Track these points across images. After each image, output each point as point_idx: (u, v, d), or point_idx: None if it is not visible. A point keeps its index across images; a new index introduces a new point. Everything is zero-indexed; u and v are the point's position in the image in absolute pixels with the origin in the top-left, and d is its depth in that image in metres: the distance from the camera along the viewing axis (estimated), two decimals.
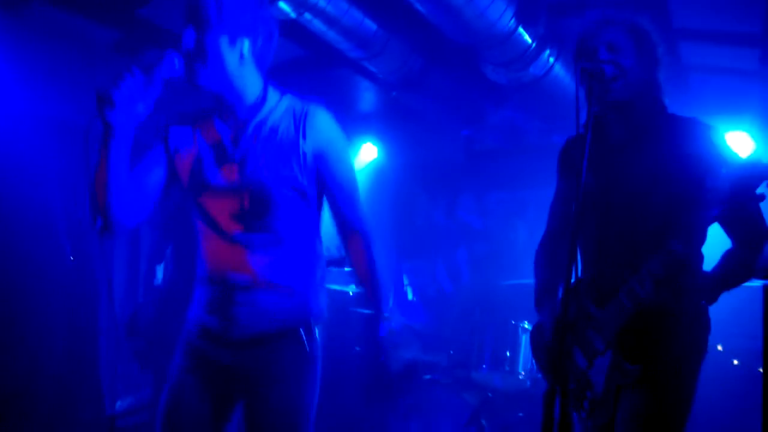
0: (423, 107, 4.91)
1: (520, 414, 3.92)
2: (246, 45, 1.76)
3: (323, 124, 1.83)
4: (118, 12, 3.87)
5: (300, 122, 1.80)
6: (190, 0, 1.75)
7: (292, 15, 3.20)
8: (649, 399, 1.84)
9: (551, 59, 3.85)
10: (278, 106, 1.85)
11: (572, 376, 1.92)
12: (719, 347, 4.12)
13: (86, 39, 4.14)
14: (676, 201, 1.81)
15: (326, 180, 1.86)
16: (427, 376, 4.42)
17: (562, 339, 1.53)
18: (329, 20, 3.34)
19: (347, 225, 1.91)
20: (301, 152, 1.80)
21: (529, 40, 3.61)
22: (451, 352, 4.44)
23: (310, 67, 4.42)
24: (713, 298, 1.89)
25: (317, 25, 3.35)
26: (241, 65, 1.77)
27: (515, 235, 5.43)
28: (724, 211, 1.70)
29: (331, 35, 3.49)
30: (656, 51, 1.99)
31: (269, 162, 1.79)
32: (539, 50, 3.72)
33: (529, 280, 2.22)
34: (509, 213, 5.67)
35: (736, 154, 1.81)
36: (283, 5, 3.12)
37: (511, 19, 3.36)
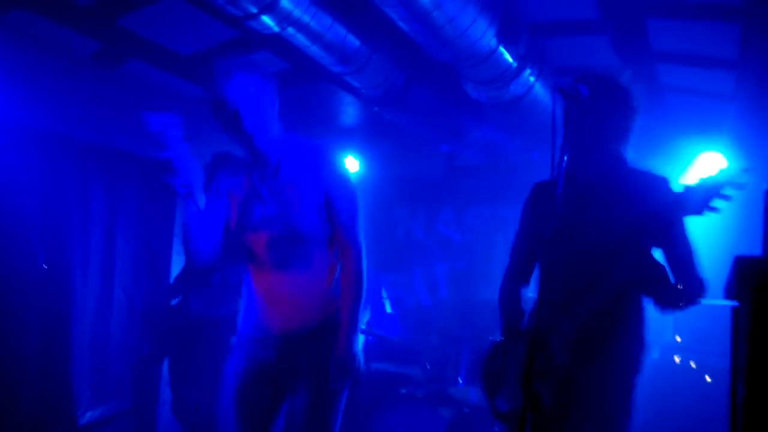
0: (404, 123, 4.95)
1: (496, 430, 3.93)
2: (267, 111, 2.22)
3: (340, 167, 2.31)
4: (99, 21, 3.85)
5: (319, 166, 2.25)
6: (216, 97, 2.20)
7: (276, 29, 3.21)
8: (595, 413, 2.10)
9: (531, 78, 3.90)
10: (294, 151, 2.29)
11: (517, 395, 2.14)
12: (692, 364, 4.19)
13: (67, 48, 4.12)
14: (631, 239, 2.09)
15: (335, 206, 2.27)
16: (403, 390, 4.42)
17: (533, 358, 1.69)
18: (312, 35, 3.36)
19: (346, 245, 2.31)
20: (318, 191, 2.24)
21: (510, 59, 3.66)
22: (428, 366, 4.46)
23: (292, 80, 4.44)
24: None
25: (300, 39, 3.37)
26: (268, 125, 2.23)
27: (494, 250, 5.47)
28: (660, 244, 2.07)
29: (314, 50, 3.50)
30: (633, 101, 2.19)
31: (294, 199, 2.23)
32: (520, 69, 3.77)
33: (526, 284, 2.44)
34: (488, 228, 5.72)
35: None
36: (266, 19, 3.13)
37: (492, 38, 3.40)
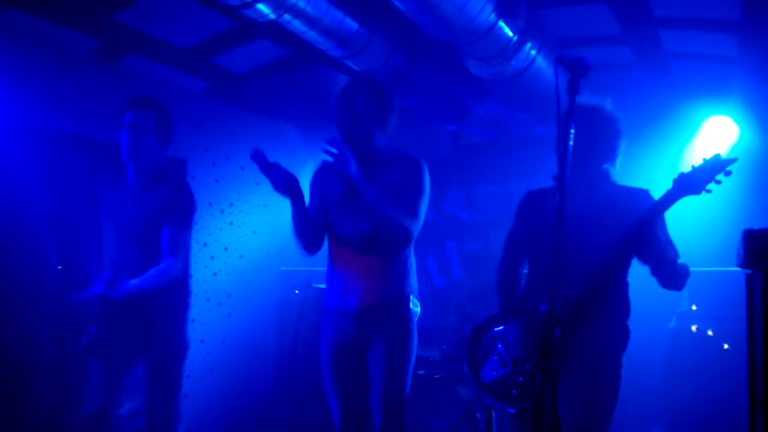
0: (407, 103, 4.90)
1: (503, 405, 3.93)
2: (387, 125, 2.81)
3: (419, 170, 2.85)
4: (96, 18, 3.83)
5: (410, 171, 2.83)
6: (363, 106, 2.75)
7: (272, 16, 3.18)
8: (586, 388, 2.37)
9: (533, 52, 3.85)
10: (396, 156, 2.85)
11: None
12: (710, 333, 4.16)
13: (64, 45, 4.10)
14: (610, 239, 2.37)
15: (401, 200, 2.78)
16: (421, 371, 4.43)
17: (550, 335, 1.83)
18: (309, 20, 3.32)
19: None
20: (398, 187, 2.79)
21: (510, 34, 3.61)
22: (444, 346, 4.45)
23: (291, 66, 4.41)
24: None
25: (297, 25, 3.34)
26: (379, 135, 2.80)
27: (504, 227, 5.44)
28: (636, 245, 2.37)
29: (312, 35, 3.47)
30: (612, 126, 2.54)
31: (383, 195, 2.72)
32: (520, 43, 3.72)
33: (522, 272, 2.75)
34: (497, 206, 5.69)
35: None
36: (261, 7, 3.10)
37: (491, 14, 3.36)
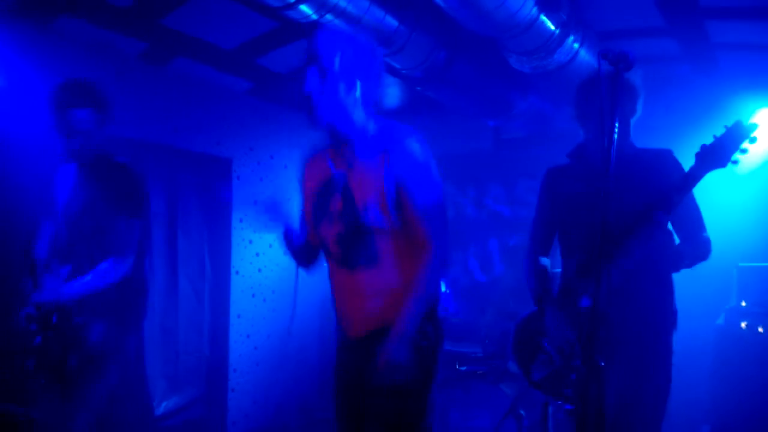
0: (448, 99, 4.91)
1: (558, 403, 3.91)
2: (359, 87, 2.01)
3: (405, 154, 2.00)
4: (143, 22, 3.95)
5: (389, 157, 1.99)
6: (313, 48, 1.98)
7: (314, 17, 3.23)
8: (633, 370, 2.27)
9: (575, 45, 3.81)
10: (378, 140, 2.04)
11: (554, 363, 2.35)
12: (760, 329, 4.06)
13: (114, 50, 4.23)
14: (643, 205, 2.23)
15: (405, 196, 2.01)
16: (464, 368, 4.44)
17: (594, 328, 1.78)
18: (351, 20, 3.36)
19: (418, 233, 2.04)
20: (386, 186, 1.99)
21: (552, 27, 3.59)
22: (487, 342, 4.45)
23: None
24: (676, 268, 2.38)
25: (339, 25, 3.37)
26: (354, 105, 2.02)
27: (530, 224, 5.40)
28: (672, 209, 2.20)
29: None
30: (638, 102, 2.47)
31: (360, 192, 2.02)
32: (563, 37, 3.69)
33: (549, 257, 2.68)
34: None
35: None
36: (304, 7, 3.15)
37: (533, 7, 3.34)
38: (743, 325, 4.10)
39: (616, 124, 1.90)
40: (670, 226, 2.37)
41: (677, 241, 2.42)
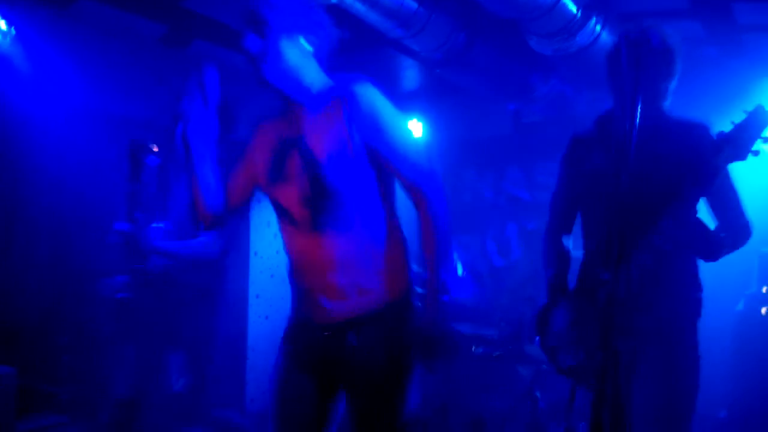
0: (468, 82, 4.88)
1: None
2: (303, 41, 1.90)
3: (364, 101, 1.86)
4: (164, 5, 3.96)
5: (344, 105, 1.86)
6: (249, 6, 1.89)
7: (334, 0, 3.21)
8: (663, 378, 2.11)
9: (597, 27, 3.76)
10: (330, 93, 1.91)
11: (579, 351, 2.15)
12: (763, 310, 4.03)
13: (135, 33, 4.26)
14: (678, 186, 2.02)
15: (379, 153, 1.88)
16: (480, 350, 4.45)
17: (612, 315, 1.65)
18: (370, 2, 3.34)
19: (410, 188, 1.91)
20: (348, 135, 1.85)
21: (574, 9, 3.54)
22: (503, 325, 4.46)
23: (352, 48, 4.43)
24: (716, 255, 2.14)
25: (358, 7, 3.36)
26: (302, 59, 1.90)
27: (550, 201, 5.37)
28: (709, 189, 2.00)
29: (373, 16, 3.49)
30: (676, 68, 2.23)
31: (323, 148, 1.86)
32: (585, 19, 3.64)
33: (581, 252, 2.41)
34: None
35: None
36: None
37: None
38: (763, 311, 4.07)
39: (639, 106, 1.78)
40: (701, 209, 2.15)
41: (712, 226, 2.19)
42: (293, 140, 1.92)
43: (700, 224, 2.09)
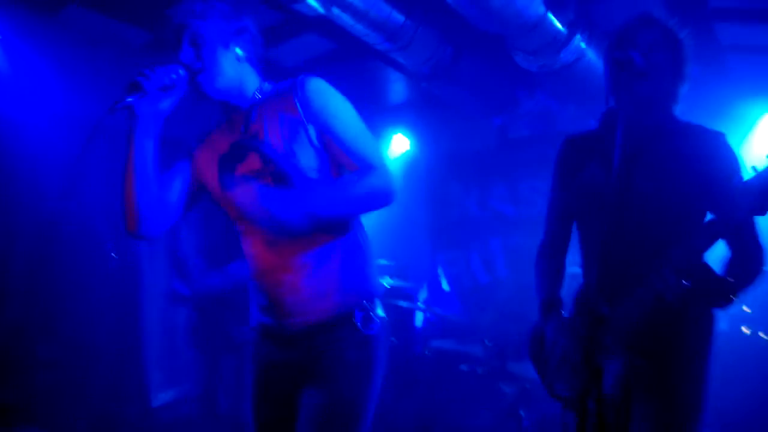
0: (454, 97, 4.89)
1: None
2: (237, 50, 1.88)
3: (312, 91, 1.83)
4: (151, 12, 3.93)
5: (294, 98, 1.83)
6: (177, 20, 1.86)
7: (321, 10, 3.21)
8: (663, 403, 1.84)
9: (582, 44, 3.79)
10: (274, 92, 1.91)
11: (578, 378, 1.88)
12: (762, 335, 4.04)
13: (121, 40, 4.23)
14: (689, 203, 1.83)
15: (332, 142, 1.82)
16: (464, 367, 4.42)
17: (594, 337, 1.59)
18: (357, 14, 3.35)
19: (357, 166, 1.83)
20: (301, 127, 1.82)
21: (560, 26, 3.57)
22: (487, 342, 4.44)
23: (338, 60, 4.44)
24: (728, 301, 1.85)
25: (345, 19, 3.36)
26: (239, 67, 1.89)
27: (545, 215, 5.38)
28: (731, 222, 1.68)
29: (359, 28, 3.49)
30: (687, 66, 2.00)
31: (282, 140, 1.82)
32: (570, 36, 3.67)
33: (568, 270, 2.19)
34: (543, 201, 5.61)
35: (743, 162, 1.82)
36: (311, 2, 3.14)
37: (540, 5, 3.33)
38: (746, 330, 4.08)
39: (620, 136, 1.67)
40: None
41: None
42: (248, 141, 1.87)
43: (708, 272, 1.85)
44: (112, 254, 4.35)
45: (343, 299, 1.84)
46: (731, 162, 1.85)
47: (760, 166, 1.63)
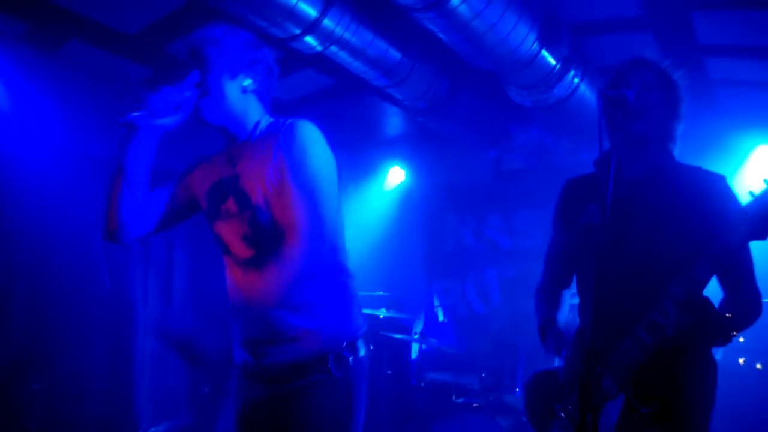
0: (449, 130, 4.96)
1: None
2: (246, 81, 1.87)
3: (300, 136, 1.80)
4: (150, 49, 4.00)
5: (279, 138, 1.81)
6: (192, 44, 1.86)
7: (319, 48, 3.27)
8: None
9: (576, 80, 3.85)
10: (267, 131, 1.88)
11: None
12: (758, 366, 4.05)
13: (120, 76, 4.29)
14: (686, 244, 1.80)
15: (291, 188, 1.77)
16: (460, 399, 4.41)
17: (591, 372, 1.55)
18: (354, 51, 3.41)
19: (288, 221, 1.78)
20: (283, 170, 1.78)
21: (553, 62, 3.63)
22: (483, 375, 4.43)
23: (336, 95, 4.50)
24: (728, 338, 1.84)
25: (343, 56, 3.42)
26: (243, 98, 1.87)
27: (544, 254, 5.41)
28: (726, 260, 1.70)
29: (357, 66, 3.55)
30: (681, 106, 2.01)
31: (259, 187, 1.80)
32: (563, 71, 3.73)
33: (571, 301, 2.21)
34: (538, 232, 5.65)
35: (740, 202, 1.79)
36: (309, 39, 3.19)
37: (534, 43, 3.39)
38: (741, 361, 4.09)
39: (612, 168, 1.67)
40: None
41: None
42: (228, 181, 1.87)
43: (708, 306, 1.83)
44: (106, 283, 4.36)
45: (323, 340, 1.79)
46: (734, 205, 1.80)
47: (758, 191, 1.66)
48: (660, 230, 1.87)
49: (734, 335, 1.82)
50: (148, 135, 1.80)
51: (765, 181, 1.65)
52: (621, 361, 1.77)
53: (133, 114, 1.76)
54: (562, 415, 1.91)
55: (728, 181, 1.90)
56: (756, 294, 1.88)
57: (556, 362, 2.08)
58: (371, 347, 1.89)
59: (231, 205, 1.85)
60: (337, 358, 1.79)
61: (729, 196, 1.86)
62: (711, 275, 1.72)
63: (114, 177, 1.83)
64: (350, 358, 1.81)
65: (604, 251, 1.70)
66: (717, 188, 1.88)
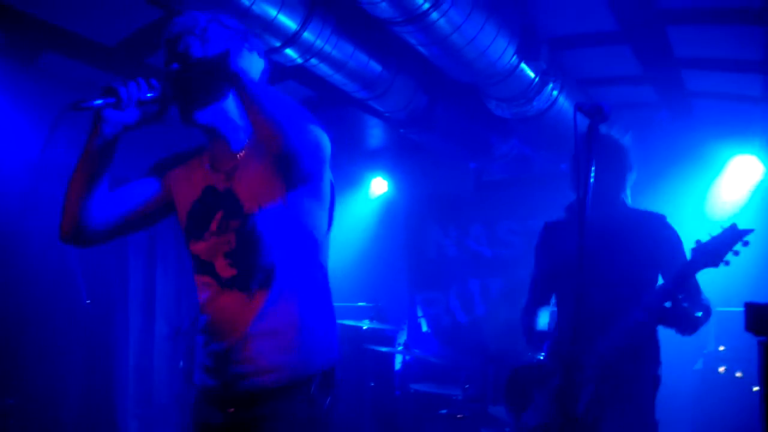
0: (430, 142, 4.97)
1: None
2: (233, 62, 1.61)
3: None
4: (127, 61, 3.97)
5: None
6: (178, 43, 1.66)
7: (299, 61, 3.27)
8: (627, 420, 2.31)
9: (554, 92, 3.89)
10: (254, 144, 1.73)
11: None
12: (738, 374, 4.09)
13: (95, 87, 4.24)
14: (640, 274, 2.42)
15: (287, 203, 1.68)
16: (444, 411, 4.40)
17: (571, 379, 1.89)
18: (335, 64, 3.41)
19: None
20: (272, 187, 1.66)
21: (532, 75, 3.67)
22: (467, 386, 4.43)
23: (317, 107, 4.50)
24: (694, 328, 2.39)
25: (323, 69, 3.43)
26: (234, 99, 1.71)
27: (527, 264, 5.44)
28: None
29: (337, 78, 3.56)
30: (627, 165, 2.54)
31: (254, 200, 1.67)
32: (542, 84, 3.77)
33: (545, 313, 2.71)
34: (520, 242, 5.68)
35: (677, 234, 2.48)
36: (289, 51, 3.19)
37: (512, 56, 3.42)
38: (721, 369, 4.13)
39: (591, 176, 1.87)
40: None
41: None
42: (220, 194, 1.72)
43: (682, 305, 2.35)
44: (87, 301, 4.30)
45: (296, 368, 1.66)
46: (673, 238, 2.45)
47: (714, 233, 2.27)
48: (620, 260, 2.40)
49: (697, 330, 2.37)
50: (113, 128, 1.63)
51: (720, 226, 2.27)
52: (601, 350, 2.30)
53: (96, 101, 1.56)
54: (537, 397, 2.40)
55: (667, 219, 2.51)
56: (706, 301, 2.42)
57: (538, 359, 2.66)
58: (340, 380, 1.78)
59: (220, 219, 1.69)
60: (309, 390, 1.66)
61: (670, 231, 2.47)
62: (669, 299, 2.30)
63: (74, 174, 1.69)
64: (323, 389, 1.69)
65: (569, 281, 2.18)
66: (659, 226, 2.48)
